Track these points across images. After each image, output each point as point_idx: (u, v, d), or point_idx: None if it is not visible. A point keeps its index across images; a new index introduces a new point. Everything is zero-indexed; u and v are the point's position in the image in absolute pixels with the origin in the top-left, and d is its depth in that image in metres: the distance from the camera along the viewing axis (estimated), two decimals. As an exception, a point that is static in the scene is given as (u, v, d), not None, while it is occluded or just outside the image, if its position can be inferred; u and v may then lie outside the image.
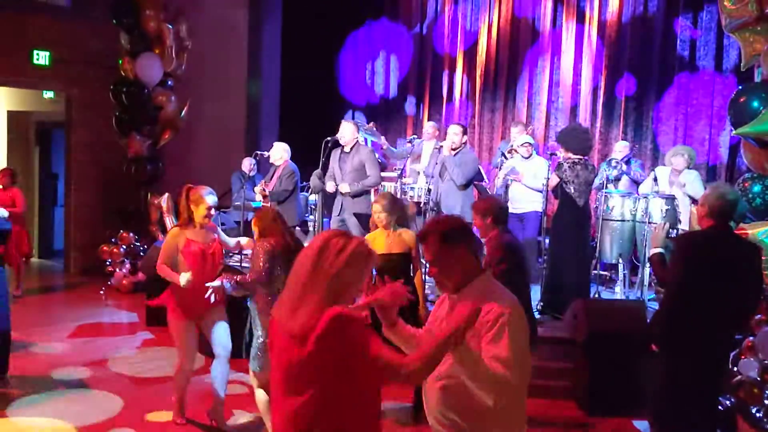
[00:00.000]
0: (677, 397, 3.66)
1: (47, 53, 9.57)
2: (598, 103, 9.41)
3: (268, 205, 7.65)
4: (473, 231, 2.60)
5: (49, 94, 10.74)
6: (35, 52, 9.48)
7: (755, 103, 5.44)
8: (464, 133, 6.84)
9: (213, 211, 4.69)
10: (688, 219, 6.87)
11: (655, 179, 7.18)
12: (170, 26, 9.01)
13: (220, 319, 4.71)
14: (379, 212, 4.92)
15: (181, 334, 4.64)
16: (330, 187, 7.04)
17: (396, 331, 2.52)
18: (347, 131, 7.00)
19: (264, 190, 7.65)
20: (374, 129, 8.59)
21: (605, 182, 7.40)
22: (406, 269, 4.94)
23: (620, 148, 8.10)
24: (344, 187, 6.84)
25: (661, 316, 3.78)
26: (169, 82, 9.14)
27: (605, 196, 7.16)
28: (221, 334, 4.70)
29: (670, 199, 6.85)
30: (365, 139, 8.20)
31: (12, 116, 11.03)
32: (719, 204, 3.69)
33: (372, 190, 7.32)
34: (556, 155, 6.71)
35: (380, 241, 4.88)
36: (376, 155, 7.37)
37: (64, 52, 9.65)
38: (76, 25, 9.69)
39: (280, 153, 7.74)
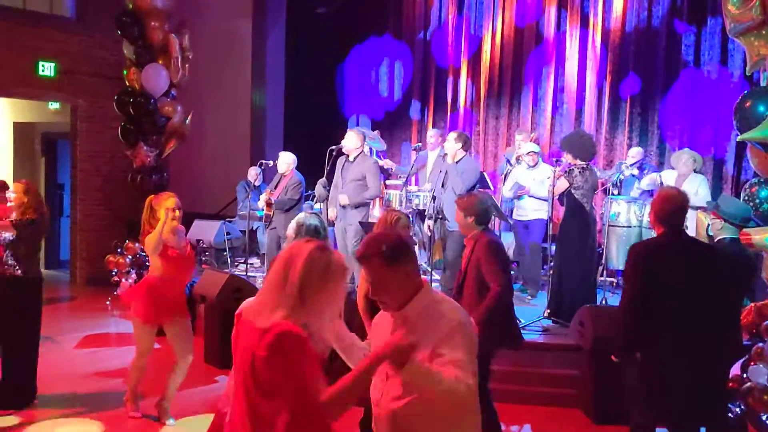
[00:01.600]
0: (652, 409, 3.59)
1: (52, 64, 9.62)
2: (603, 109, 9.38)
3: (271, 213, 7.67)
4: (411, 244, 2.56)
5: (54, 105, 10.78)
6: (40, 63, 9.53)
7: (761, 108, 5.40)
8: (461, 140, 6.76)
9: (178, 212, 4.83)
10: (694, 225, 6.80)
11: (661, 184, 7.15)
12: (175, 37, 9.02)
13: (185, 327, 4.91)
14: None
15: (143, 333, 4.83)
16: (331, 213, 7.08)
17: None
18: (351, 140, 7.02)
19: (269, 198, 7.66)
20: (379, 137, 8.60)
21: (610, 188, 7.37)
22: None
23: (634, 154, 7.98)
24: (344, 199, 6.86)
25: (622, 328, 3.65)
26: (173, 93, 9.16)
27: (610, 202, 7.12)
28: (185, 341, 4.92)
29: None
30: (371, 149, 8.20)
31: (18, 127, 11.08)
32: (667, 209, 3.60)
33: (372, 201, 7.33)
34: (560, 161, 6.68)
35: None
36: (381, 163, 7.37)
37: (69, 63, 9.70)
38: (81, 37, 9.74)
39: (286, 163, 7.77)
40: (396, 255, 2.36)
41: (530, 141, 8.06)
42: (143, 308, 4.74)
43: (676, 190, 3.93)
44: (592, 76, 9.46)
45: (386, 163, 8.44)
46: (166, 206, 4.78)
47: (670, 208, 3.59)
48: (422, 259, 8.60)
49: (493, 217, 7.37)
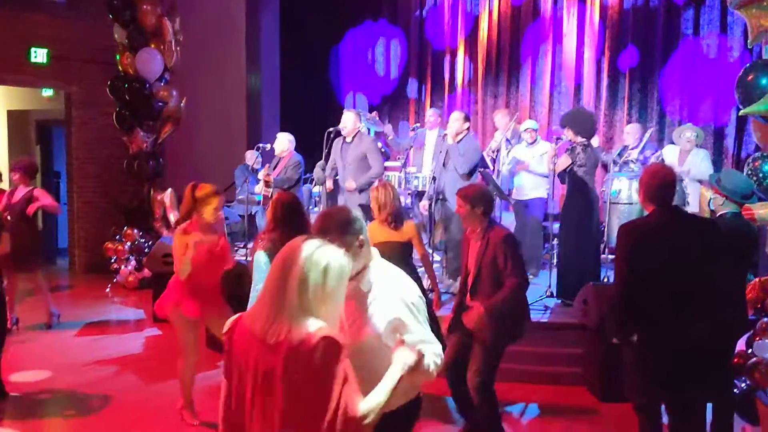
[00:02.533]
0: (653, 389, 3.58)
1: (45, 51, 9.49)
2: (602, 85, 9.32)
3: (269, 193, 7.58)
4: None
5: (48, 92, 10.67)
6: (32, 49, 9.40)
7: (764, 81, 5.34)
8: (466, 120, 6.75)
9: (220, 212, 4.59)
10: (697, 201, 6.78)
11: (662, 160, 7.10)
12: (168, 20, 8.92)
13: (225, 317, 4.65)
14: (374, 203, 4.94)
15: (184, 330, 4.59)
16: (329, 184, 7.01)
17: None
18: (348, 120, 6.95)
19: (268, 175, 7.59)
20: (377, 118, 8.51)
21: (611, 165, 7.32)
22: (406, 257, 4.87)
23: (630, 131, 7.79)
24: (350, 184, 6.77)
25: (615, 309, 3.62)
26: (166, 77, 9.06)
27: (612, 179, 7.08)
28: None
29: (679, 180, 6.76)
30: (368, 130, 8.12)
31: (12, 115, 10.97)
32: (653, 184, 3.51)
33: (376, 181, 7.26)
34: (561, 139, 6.63)
35: (380, 231, 4.84)
36: (380, 145, 7.31)
37: (62, 50, 9.57)
38: (73, 22, 9.60)
39: (284, 144, 7.70)
40: (350, 226, 2.48)
41: (512, 121, 8.00)
42: (188, 304, 4.47)
43: (661, 165, 3.86)
44: (591, 52, 9.40)
45: (386, 129, 8.34)
46: (212, 206, 4.48)
47: (657, 183, 3.50)
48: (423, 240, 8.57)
49: (493, 197, 7.38)
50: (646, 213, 6.77)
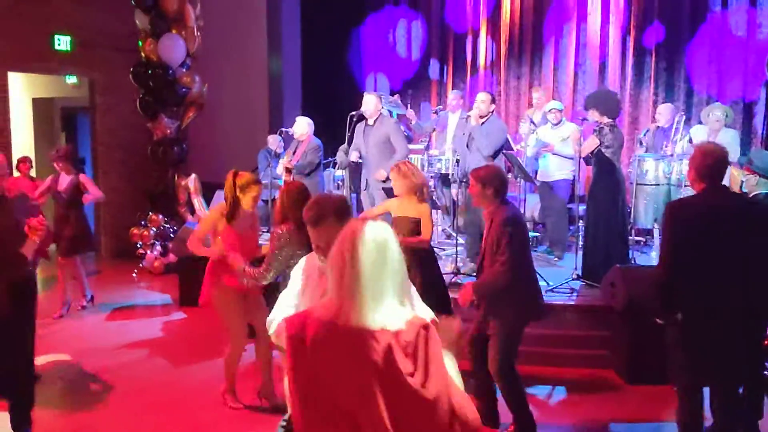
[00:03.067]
0: (694, 370, 3.52)
1: (68, 38, 9.55)
2: (627, 64, 9.16)
3: (291, 179, 7.60)
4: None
5: (72, 80, 10.74)
6: (56, 37, 9.46)
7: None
8: (492, 101, 6.70)
9: (259, 200, 4.69)
10: (728, 182, 6.65)
11: (690, 140, 6.98)
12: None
13: (259, 300, 4.68)
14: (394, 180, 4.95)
15: (229, 312, 4.58)
16: (354, 156, 6.97)
17: None
18: (370, 103, 6.91)
19: (289, 162, 7.60)
20: (399, 101, 8.46)
21: (638, 146, 7.22)
22: (415, 233, 4.84)
23: (663, 111, 7.58)
24: (381, 174, 6.70)
25: (659, 288, 3.54)
26: (188, 63, 9.07)
27: (638, 159, 6.98)
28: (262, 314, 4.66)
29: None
30: (389, 112, 8.07)
31: (37, 103, 11.07)
32: (707, 163, 3.46)
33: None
34: (587, 120, 6.54)
35: (399, 207, 4.97)
36: (402, 128, 7.27)
37: (85, 37, 9.62)
38: (95, 9, 9.64)
39: (303, 128, 7.67)
40: (347, 211, 2.63)
41: (553, 100, 7.88)
42: (228, 277, 4.43)
43: (714, 144, 3.81)
44: (615, 30, 9.24)
45: (408, 113, 8.30)
46: (252, 192, 4.56)
47: (711, 162, 3.46)
48: (446, 223, 8.55)
49: (518, 179, 7.33)
50: (673, 195, 6.73)
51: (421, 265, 4.63)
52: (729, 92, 8.47)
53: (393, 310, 1.92)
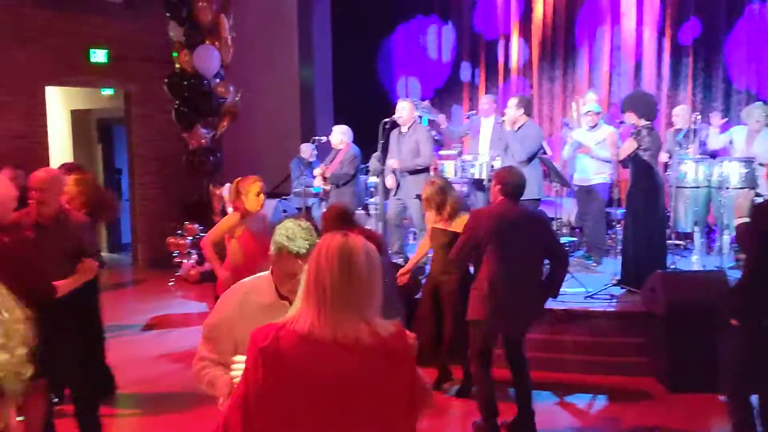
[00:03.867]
0: (760, 373, 3.45)
1: (104, 51, 9.72)
2: (663, 65, 9.01)
3: (328, 188, 7.62)
4: None
5: (107, 92, 10.93)
6: (92, 50, 9.64)
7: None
8: (522, 105, 6.62)
9: (263, 196, 4.85)
10: (766, 183, 6.49)
11: (731, 141, 6.83)
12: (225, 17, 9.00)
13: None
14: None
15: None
16: (389, 182, 7.00)
17: None
18: (404, 110, 6.91)
19: (324, 173, 7.61)
20: (431, 107, 8.42)
21: (677, 148, 7.08)
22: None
23: (679, 112, 7.50)
24: (394, 162, 6.83)
25: (740, 290, 3.57)
26: (222, 73, 9.16)
27: (678, 162, 6.84)
28: None
29: (749, 161, 6.49)
30: (419, 118, 8.04)
31: (75, 115, 11.28)
32: None
33: (430, 170, 7.20)
34: (624, 123, 6.44)
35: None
36: (433, 133, 7.24)
37: (120, 49, 9.78)
38: (129, 22, 9.81)
39: (339, 137, 7.67)
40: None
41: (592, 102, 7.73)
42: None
43: None
44: (651, 30, 9.11)
45: (439, 118, 8.26)
46: (252, 191, 4.82)
47: None
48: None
49: (553, 183, 7.24)
50: (713, 197, 6.58)
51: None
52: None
53: (363, 322, 1.91)
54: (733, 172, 6.45)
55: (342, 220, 4.16)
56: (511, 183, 4.28)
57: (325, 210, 4.47)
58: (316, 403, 1.89)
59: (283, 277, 2.50)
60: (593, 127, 7.30)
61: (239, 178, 4.94)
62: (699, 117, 7.32)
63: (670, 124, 8.89)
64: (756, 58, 8.39)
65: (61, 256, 3.82)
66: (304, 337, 1.89)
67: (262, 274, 2.63)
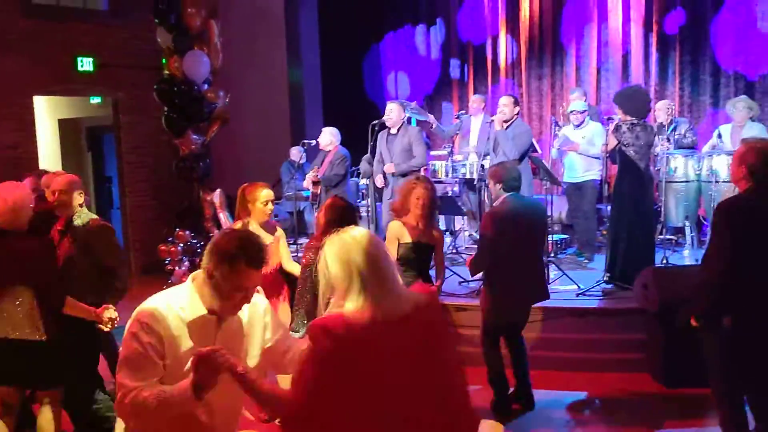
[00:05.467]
0: (743, 374, 3.46)
1: (91, 59, 9.67)
2: (651, 61, 9.02)
3: (317, 191, 7.60)
4: None
5: (96, 100, 10.88)
6: (79, 59, 9.59)
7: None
8: (515, 104, 6.63)
9: (271, 205, 4.67)
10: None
11: (720, 136, 6.85)
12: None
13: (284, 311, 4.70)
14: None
15: None
16: (379, 182, 6.98)
17: None
18: (393, 112, 6.91)
19: (316, 176, 7.60)
20: (420, 108, 8.43)
21: (666, 144, 7.10)
22: (428, 263, 4.68)
23: (661, 107, 7.57)
24: (390, 167, 6.78)
25: (710, 291, 3.47)
26: (210, 78, 9.11)
27: (667, 157, 6.85)
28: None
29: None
30: (408, 119, 8.05)
31: (63, 124, 11.23)
32: (759, 160, 3.36)
33: (421, 171, 7.20)
34: (612, 119, 6.44)
35: (407, 230, 4.47)
36: (423, 135, 7.25)
37: (107, 57, 9.74)
38: (116, 29, 9.76)
39: (329, 138, 7.67)
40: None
41: (579, 100, 7.75)
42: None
43: (766, 140, 3.73)
44: (637, 27, 9.11)
45: (429, 117, 8.26)
46: (259, 199, 4.62)
47: (763, 159, 3.37)
48: (472, 228, 8.48)
49: (543, 181, 7.24)
50: (703, 191, 6.60)
51: None
52: (757, 68, 8.29)
53: (402, 297, 2.14)
54: (722, 166, 6.47)
55: (347, 213, 4.06)
56: (509, 177, 4.53)
57: (328, 201, 4.20)
58: (387, 380, 2.05)
59: (229, 291, 2.27)
60: (579, 125, 7.31)
61: (246, 184, 4.67)
62: (672, 108, 7.39)
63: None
64: (743, 40, 8.38)
65: (81, 259, 4.03)
66: (361, 324, 2.04)
67: (174, 289, 2.44)
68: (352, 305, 2.06)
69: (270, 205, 4.67)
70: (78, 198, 4.23)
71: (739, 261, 3.33)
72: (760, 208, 3.39)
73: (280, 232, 4.91)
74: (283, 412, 2.15)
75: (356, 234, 2.17)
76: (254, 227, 4.56)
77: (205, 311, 2.31)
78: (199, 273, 2.36)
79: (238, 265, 2.23)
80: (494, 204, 4.67)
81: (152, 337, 2.26)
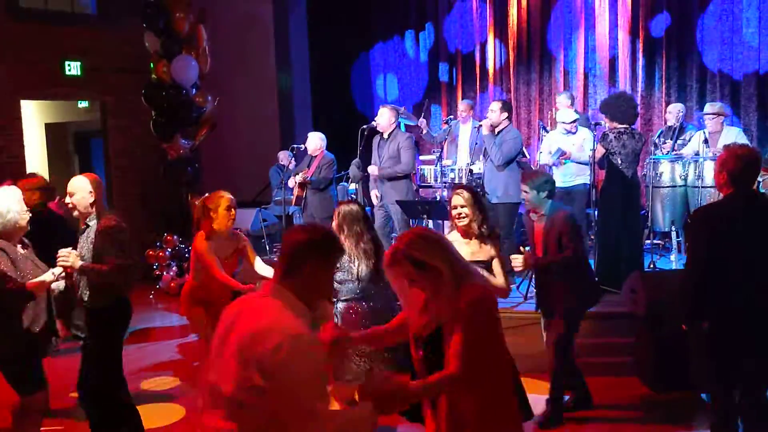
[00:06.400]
0: (727, 376, 3.49)
1: (78, 63, 9.63)
2: (638, 67, 9.08)
3: (302, 194, 7.61)
4: None
5: (83, 104, 10.83)
6: (66, 63, 9.54)
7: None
8: (502, 109, 6.64)
9: (234, 211, 4.67)
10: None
11: (706, 140, 6.90)
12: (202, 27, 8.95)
13: None
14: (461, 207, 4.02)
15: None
16: (374, 197, 7.03)
17: None
18: (384, 117, 6.93)
19: (305, 177, 7.61)
20: (410, 114, 8.46)
21: (651, 149, 7.15)
22: None
23: (672, 110, 7.63)
24: (373, 169, 6.81)
25: (687, 297, 3.50)
26: (198, 82, 9.11)
27: (653, 162, 6.90)
28: None
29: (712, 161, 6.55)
30: (398, 123, 8.07)
31: (50, 128, 11.16)
32: (740, 167, 3.39)
33: (410, 176, 7.23)
34: (600, 125, 6.48)
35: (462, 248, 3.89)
36: (413, 141, 7.27)
37: (95, 61, 9.70)
38: (104, 33, 9.72)
39: (316, 142, 7.72)
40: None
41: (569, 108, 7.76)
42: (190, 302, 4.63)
43: (745, 146, 3.76)
44: (624, 33, 9.15)
45: (420, 122, 8.29)
46: (222, 206, 4.62)
47: (742, 166, 3.40)
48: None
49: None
50: (689, 196, 6.64)
51: None
52: (743, 68, 8.35)
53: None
54: (708, 170, 6.51)
55: (364, 219, 4.08)
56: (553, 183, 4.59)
57: (338, 209, 4.10)
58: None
59: (323, 288, 2.32)
60: (567, 132, 7.33)
61: (206, 195, 4.67)
62: (682, 112, 7.45)
63: (646, 124, 9.00)
64: (728, 44, 8.46)
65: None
66: (491, 293, 2.68)
67: (285, 309, 2.17)
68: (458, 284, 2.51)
69: (233, 211, 4.66)
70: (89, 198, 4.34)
71: (716, 266, 3.36)
72: (732, 213, 3.41)
73: (244, 240, 4.95)
74: (448, 386, 2.48)
75: (417, 229, 2.98)
76: (218, 237, 4.62)
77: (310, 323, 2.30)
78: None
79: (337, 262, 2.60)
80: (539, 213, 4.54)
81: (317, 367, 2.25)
